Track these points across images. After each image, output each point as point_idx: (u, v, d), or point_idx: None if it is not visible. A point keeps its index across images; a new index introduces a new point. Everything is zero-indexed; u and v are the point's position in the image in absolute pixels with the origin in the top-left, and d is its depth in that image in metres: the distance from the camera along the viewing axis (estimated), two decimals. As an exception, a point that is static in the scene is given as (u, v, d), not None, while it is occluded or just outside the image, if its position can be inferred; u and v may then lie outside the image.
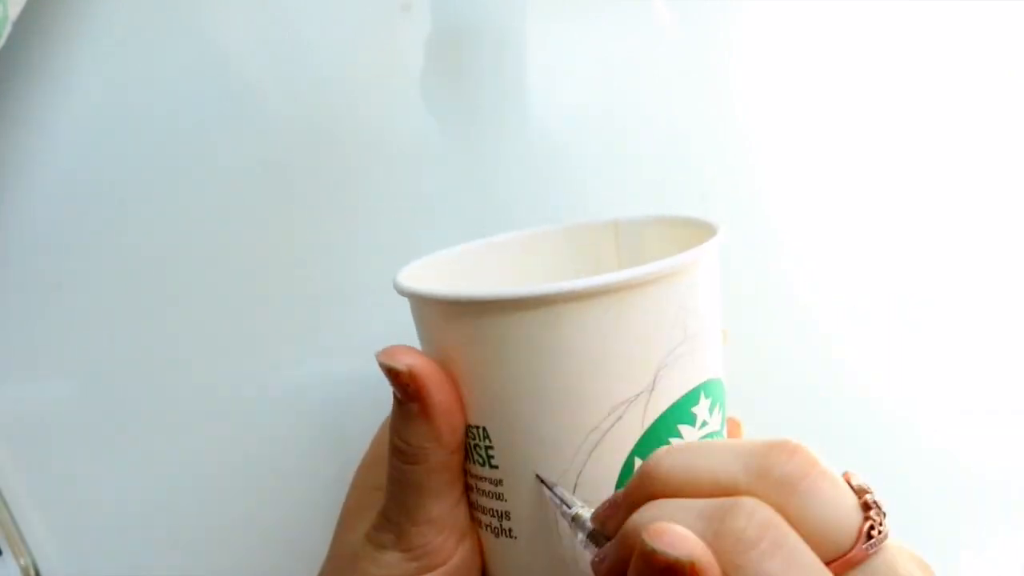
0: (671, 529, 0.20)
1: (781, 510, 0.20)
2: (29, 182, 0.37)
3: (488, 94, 0.38)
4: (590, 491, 0.25)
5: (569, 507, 0.24)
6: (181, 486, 0.40)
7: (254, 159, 0.38)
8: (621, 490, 0.23)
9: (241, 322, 0.39)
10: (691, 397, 0.26)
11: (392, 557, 0.27)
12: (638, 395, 0.25)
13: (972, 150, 0.39)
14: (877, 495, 0.21)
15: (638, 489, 0.22)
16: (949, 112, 0.39)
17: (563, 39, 0.38)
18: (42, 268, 0.38)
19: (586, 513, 0.24)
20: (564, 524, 0.26)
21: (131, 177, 0.37)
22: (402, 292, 0.27)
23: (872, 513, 0.21)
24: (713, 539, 0.20)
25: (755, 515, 0.20)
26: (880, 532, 0.20)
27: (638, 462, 0.25)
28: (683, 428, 0.26)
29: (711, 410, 0.26)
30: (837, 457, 0.22)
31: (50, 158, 0.37)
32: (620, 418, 0.25)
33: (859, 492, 0.21)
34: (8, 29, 0.33)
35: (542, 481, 0.25)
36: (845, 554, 0.20)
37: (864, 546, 0.20)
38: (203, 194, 0.38)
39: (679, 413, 0.25)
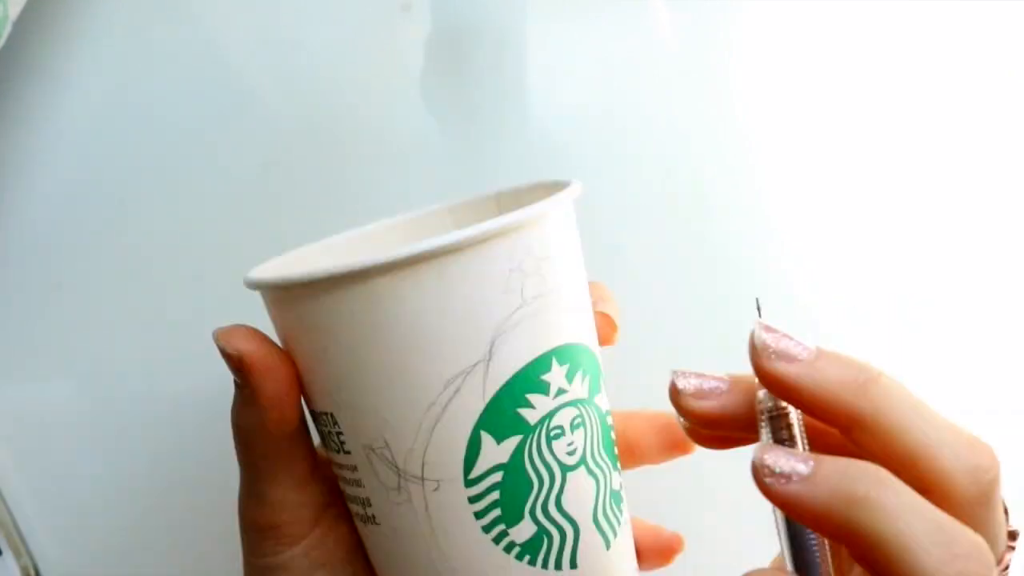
0: None
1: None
2: (29, 182, 0.37)
3: (488, 94, 0.38)
4: (438, 470, 0.24)
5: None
6: (180, 487, 0.40)
7: (254, 159, 0.38)
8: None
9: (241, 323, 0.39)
10: (540, 364, 0.24)
11: (251, 538, 0.28)
12: (475, 365, 0.24)
13: (972, 150, 0.39)
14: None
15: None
16: (949, 111, 0.39)
17: (563, 39, 0.38)
18: (42, 268, 0.38)
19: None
20: (424, 503, 0.25)
21: (131, 177, 0.37)
22: (248, 285, 0.26)
23: (1013, 543, 0.21)
24: (938, 565, 0.18)
25: (982, 556, 0.19)
26: (1007, 568, 0.21)
27: (484, 436, 0.24)
28: (533, 397, 0.24)
29: (571, 377, 0.25)
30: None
31: (50, 158, 0.37)
32: (458, 391, 0.24)
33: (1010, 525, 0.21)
34: (8, 29, 0.33)
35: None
36: None
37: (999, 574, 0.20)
38: (203, 194, 0.38)
39: (526, 381, 0.24)
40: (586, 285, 0.27)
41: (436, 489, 0.25)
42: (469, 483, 0.25)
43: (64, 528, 0.40)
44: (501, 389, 0.24)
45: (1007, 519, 0.21)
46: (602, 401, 0.27)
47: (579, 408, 0.25)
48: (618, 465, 0.28)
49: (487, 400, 0.24)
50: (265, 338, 0.26)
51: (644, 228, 0.39)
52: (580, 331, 0.26)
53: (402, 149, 0.38)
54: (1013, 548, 0.21)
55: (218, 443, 0.39)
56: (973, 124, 0.39)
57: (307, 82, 0.37)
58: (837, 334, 0.40)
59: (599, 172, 0.39)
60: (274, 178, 0.38)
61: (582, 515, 0.25)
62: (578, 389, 0.25)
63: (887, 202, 0.39)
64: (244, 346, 0.26)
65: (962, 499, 0.20)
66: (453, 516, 0.25)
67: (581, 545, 0.25)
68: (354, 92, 0.38)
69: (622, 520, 0.27)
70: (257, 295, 0.39)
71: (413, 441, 0.24)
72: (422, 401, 0.24)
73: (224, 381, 0.39)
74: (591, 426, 0.26)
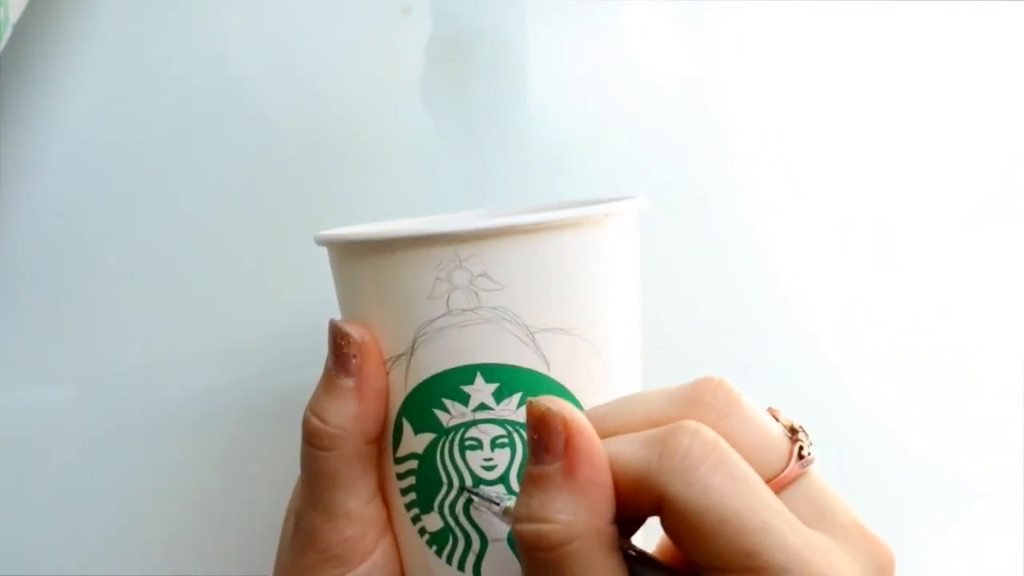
0: (552, 396, 0.21)
1: None
2: (30, 184, 0.37)
3: (487, 97, 0.38)
4: (381, 438, 0.27)
5: (497, 504, 0.24)
6: (181, 491, 0.40)
7: (254, 162, 0.38)
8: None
9: (242, 326, 0.39)
10: (460, 374, 0.25)
11: (311, 559, 0.26)
12: (400, 356, 0.26)
13: (973, 152, 0.39)
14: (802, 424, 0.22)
15: None
16: (948, 114, 0.39)
17: (562, 42, 0.38)
18: (42, 270, 0.38)
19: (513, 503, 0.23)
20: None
21: (132, 180, 0.37)
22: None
23: (800, 435, 0.22)
24: (659, 459, 0.20)
25: (698, 434, 0.20)
26: (809, 454, 0.22)
27: (405, 423, 0.26)
28: (450, 403, 0.25)
29: (500, 396, 0.25)
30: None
31: (51, 161, 0.37)
32: (389, 373, 0.26)
33: (785, 422, 0.22)
34: (8, 32, 0.33)
35: (465, 489, 0.25)
36: (779, 474, 0.21)
37: (797, 465, 0.21)
38: (203, 197, 0.38)
39: (444, 386, 0.25)
40: (595, 328, 0.26)
41: (381, 455, 0.27)
42: (396, 460, 0.27)
43: (62, 530, 0.40)
44: (419, 385, 0.26)
45: (790, 422, 0.22)
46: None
47: (507, 429, 0.26)
48: None
49: (408, 391, 0.26)
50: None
51: (644, 230, 0.39)
52: (536, 359, 0.25)
53: (401, 151, 0.38)
54: (798, 439, 0.22)
55: (220, 447, 0.40)
56: (974, 127, 0.39)
57: (307, 85, 0.38)
58: (837, 337, 0.40)
59: (599, 175, 0.39)
60: (274, 181, 0.38)
61: (493, 530, 0.26)
62: (509, 412, 0.26)
63: (886, 204, 0.39)
64: (364, 332, 0.26)
65: None
66: (389, 485, 0.27)
67: (488, 558, 0.26)
68: (354, 95, 0.38)
69: None
70: (254, 301, 0.40)
71: None
72: None
73: (226, 384, 0.39)
74: (524, 452, 0.26)
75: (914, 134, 0.39)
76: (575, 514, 0.20)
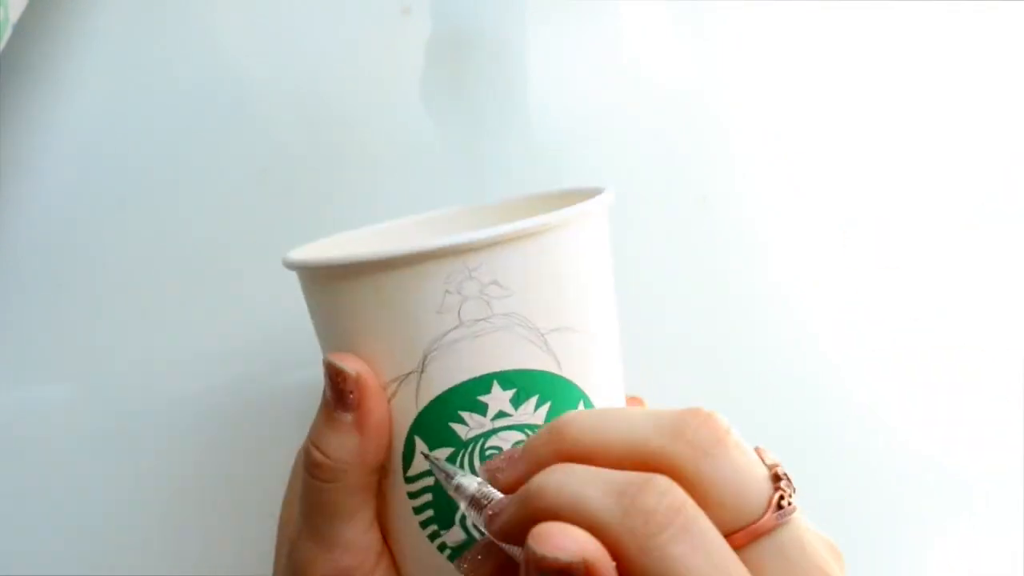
0: (559, 531, 0.19)
1: (692, 473, 0.20)
2: (29, 184, 0.37)
3: (487, 97, 0.38)
4: (386, 460, 0.26)
5: (451, 476, 0.24)
6: (180, 490, 0.40)
7: (254, 162, 0.38)
8: (522, 444, 0.23)
9: (242, 325, 0.39)
10: (477, 385, 0.25)
11: None
12: (408, 375, 0.25)
13: (973, 152, 0.39)
14: (788, 471, 0.21)
15: (545, 445, 0.22)
16: (948, 114, 0.39)
17: (562, 42, 0.38)
18: (42, 270, 0.38)
19: (468, 481, 0.23)
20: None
21: (131, 180, 0.37)
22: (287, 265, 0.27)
23: (782, 484, 0.21)
24: (622, 516, 0.19)
25: (666, 496, 0.19)
26: (790, 504, 0.21)
27: (418, 440, 0.25)
28: (467, 415, 0.25)
29: (517, 402, 0.25)
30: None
31: (50, 161, 0.37)
32: (395, 394, 0.25)
33: (770, 466, 0.21)
34: (8, 32, 0.33)
35: (425, 456, 0.25)
36: (754, 522, 0.20)
37: (774, 515, 0.20)
38: (203, 197, 0.38)
39: (460, 399, 0.25)
40: (594, 321, 0.26)
41: (386, 476, 0.27)
42: (408, 480, 0.26)
43: (62, 532, 0.40)
44: (433, 401, 0.25)
45: (775, 468, 0.21)
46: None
47: (527, 434, 0.26)
48: None
49: (419, 408, 0.25)
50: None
51: (644, 230, 0.39)
52: (548, 360, 0.25)
53: (402, 151, 0.38)
54: (780, 488, 0.21)
55: (220, 446, 0.40)
56: (976, 127, 0.39)
57: (307, 85, 0.38)
58: (838, 335, 0.40)
59: (599, 175, 0.39)
60: (274, 181, 0.38)
61: None
62: (527, 416, 0.25)
63: (886, 203, 0.39)
64: (360, 366, 0.25)
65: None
66: (396, 505, 0.27)
67: None
68: (354, 95, 0.38)
69: None
70: (254, 301, 0.40)
71: None
72: None
73: (226, 383, 0.39)
74: None
75: (914, 134, 0.39)
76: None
